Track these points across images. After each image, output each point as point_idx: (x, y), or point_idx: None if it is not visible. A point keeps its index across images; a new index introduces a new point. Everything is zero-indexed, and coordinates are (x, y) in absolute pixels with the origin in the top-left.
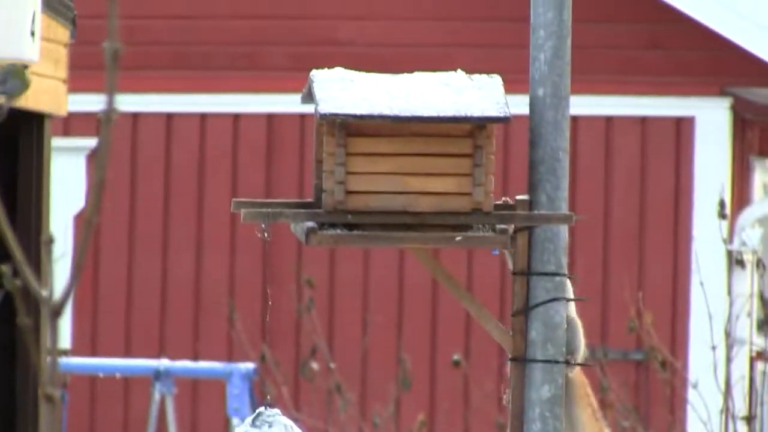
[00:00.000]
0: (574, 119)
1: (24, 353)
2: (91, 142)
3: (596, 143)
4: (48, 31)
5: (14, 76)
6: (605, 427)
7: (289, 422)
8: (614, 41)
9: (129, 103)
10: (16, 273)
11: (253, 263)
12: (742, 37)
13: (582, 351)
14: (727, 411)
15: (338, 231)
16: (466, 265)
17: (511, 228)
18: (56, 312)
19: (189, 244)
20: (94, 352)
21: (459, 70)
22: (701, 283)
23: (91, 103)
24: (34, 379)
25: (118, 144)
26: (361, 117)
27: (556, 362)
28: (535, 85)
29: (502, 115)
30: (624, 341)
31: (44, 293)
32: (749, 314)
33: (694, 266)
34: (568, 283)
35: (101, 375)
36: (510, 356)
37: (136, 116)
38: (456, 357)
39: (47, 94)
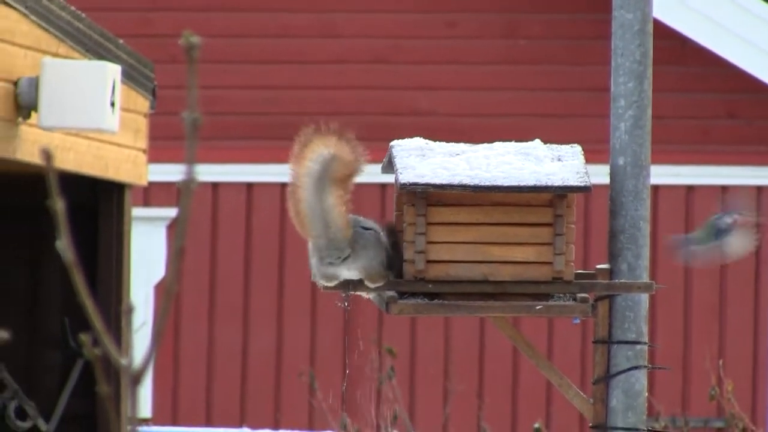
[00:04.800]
0: (654, 188)
1: (104, 422)
2: (171, 212)
3: (676, 212)
4: (128, 102)
5: None
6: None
7: None
8: (693, 111)
9: (209, 172)
10: (96, 342)
11: (334, 332)
12: None
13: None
14: None
15: (419, 300)
16: (547, 333)
17: (591, 297)
18: (136, 380)
19: (270, 312)
20: (174, 421)
21: (538, 140)
22: None
23: (171, 173)
24: None
25: (198, 214)
26: (441, 186)
27: (637, 430)
28: (616, 155)
29: (582, 184)
30: (705, 409)
31: (124, 362)
32: None
33: None
34: None
35: None
36: (591, 424)
37: (215, 186)
38: (537, 425)
39: (127, 164)
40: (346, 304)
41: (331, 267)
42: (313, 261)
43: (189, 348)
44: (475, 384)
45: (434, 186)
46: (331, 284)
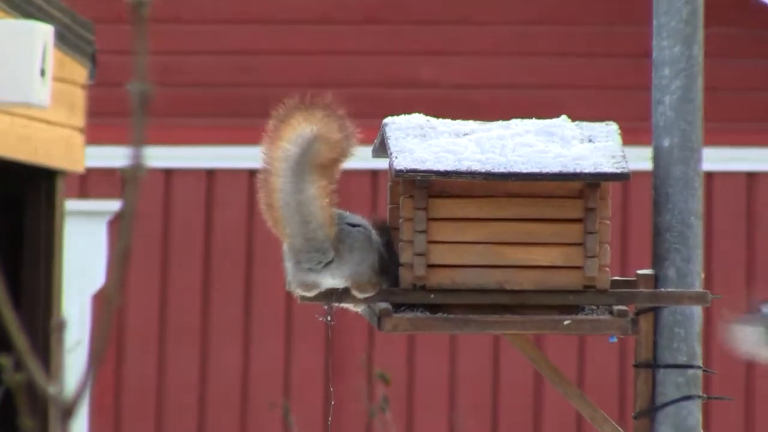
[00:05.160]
0: (708, 176)
1: None
2: (114, 205)
3: (735, 204)
4: (62, 70)
5: None
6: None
7: None
8: (754, 81)
9: (161, 157)
10: (18, 366)
11: (313, 354)
12: None
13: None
14: None
15: (418, 313)
16: (577, 354)
17: (632, 310)
18: (68, 413)
19: (235, 329)
20: None
21: (564, 117)
22: None
23: (114, 157)
24: None
25: (147, 207)
26: (446, 174)
27: None
28: (660, 135)
29: (619, 171)
30: None
31: (53, 390)
32: None
33: None
34: None
35: None
36: None
37: (169, 173)
38: None
39: (59, 145)
40: (328, 318)
41: (311, 274)
42: (289, 265)
43: (134, 373)
44: (488, 418)
45: (437, 173)
46: (311, 294)
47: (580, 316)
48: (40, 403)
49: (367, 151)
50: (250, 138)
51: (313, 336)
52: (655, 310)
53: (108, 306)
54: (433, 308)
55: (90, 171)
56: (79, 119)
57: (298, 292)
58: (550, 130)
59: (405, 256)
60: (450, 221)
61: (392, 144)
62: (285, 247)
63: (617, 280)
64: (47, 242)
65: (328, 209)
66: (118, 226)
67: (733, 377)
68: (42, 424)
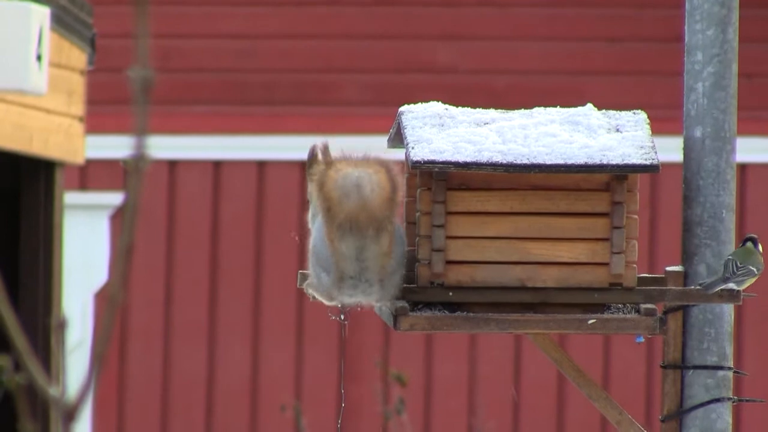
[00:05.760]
0: (741, 167)
1: None
2: (116, 198)
3: None
4: (60, 55)
5: None
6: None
7: None
8: None
9: (165, 147)
10: (18, 367)
11: (326, 354)
12: None
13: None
14: None
15: (436, 312)
16: (602, 355)
17: (660, 308)
18: (70, 416)
19: (243, 329)
20: None
21: (590, 105)
22: None
23: (116, 147)
24: None
25: (150, 200)
26: (466, 165)
27: None
28: (692, 124)
29: (648, 162)
30: None
31: (54, 392)
32: None
33: None
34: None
35: None
36: None
37: (173, 164)
38: None
39: (58, 135)
40: (342, 317)
41: (347, 298)
42: (322, 275)
43: (138, 372)
44: (509, 421)
45: (456, 165)
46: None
47: (605, 315)
48: (40, 406)
49: (382, 140)
50: (259, 127)
51: (326, 334)
52: (684, 309)
53: (111, 303)
54: (452, 306)
55: (90, 162)
56: (78, 107)
57: (314, 295)
58: (575, 120)
59: (422, 252)
60: (469, 215)
61: (409, 133)
62: (322, 254)
63: (645, 277)
64: (46, 237)
65: (389, 255)
66: (120, 220)
67: (765, 378)
68: (43, 428)
